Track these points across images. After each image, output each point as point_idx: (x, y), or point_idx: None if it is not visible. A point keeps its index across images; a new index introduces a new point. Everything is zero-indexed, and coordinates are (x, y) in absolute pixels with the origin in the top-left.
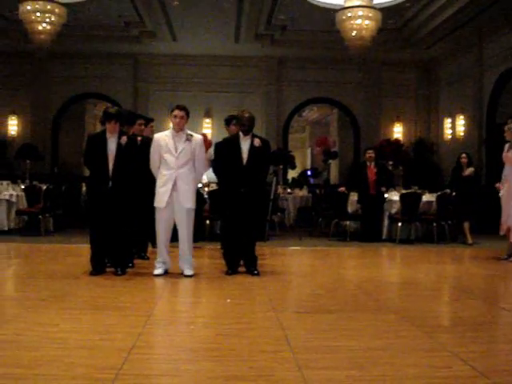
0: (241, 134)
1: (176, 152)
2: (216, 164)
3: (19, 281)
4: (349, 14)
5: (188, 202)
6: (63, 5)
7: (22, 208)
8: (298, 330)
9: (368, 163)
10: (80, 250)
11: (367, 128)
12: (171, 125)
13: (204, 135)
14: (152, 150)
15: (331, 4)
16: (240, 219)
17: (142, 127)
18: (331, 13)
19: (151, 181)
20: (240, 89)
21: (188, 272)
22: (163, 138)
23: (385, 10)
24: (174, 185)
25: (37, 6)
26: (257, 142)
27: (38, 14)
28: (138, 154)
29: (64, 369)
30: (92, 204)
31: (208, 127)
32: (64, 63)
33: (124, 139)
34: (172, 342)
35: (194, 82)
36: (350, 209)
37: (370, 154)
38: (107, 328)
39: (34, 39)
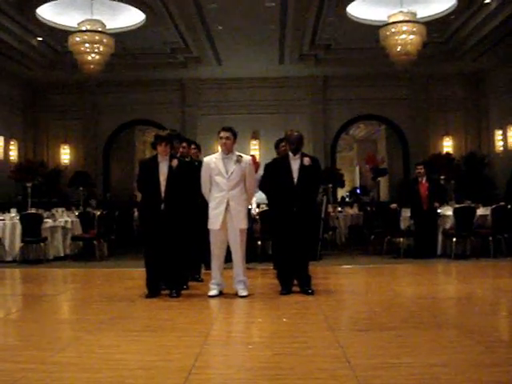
0: (290, 153)
1: (227, 174)
2: (266, 184)
3: (77, 304)
4: (393, 30)
5: (241, 223)
6: (111, 35)
7: (77, 234)
8: (356, 348)
9: (419, 179)
10: (135, 274)
11: (416, 143)
12: (219, 147)
13: (252, 157)
14: (203, 172)
15: (374, 20)
16: (292, 239)
17: (187, 150)
18: (375, 29)
19: (203, 203)
20: (286, 109)
21: (243, 292)
22: (213, 160)
23: (429, 24)
24: (227, 206)
25: (85, 37)
26: (306, 160)
27: (87, 44)
28: (190, 176)
29: None
30: (146, 227)
31: (255, 149)
32: (113, 91)
33: (175, 162)
34: (230, 362)
35: (240, 105)
36: (402, 225)
37: (420, 169)
38: (166, 349)
39: (84, 69)
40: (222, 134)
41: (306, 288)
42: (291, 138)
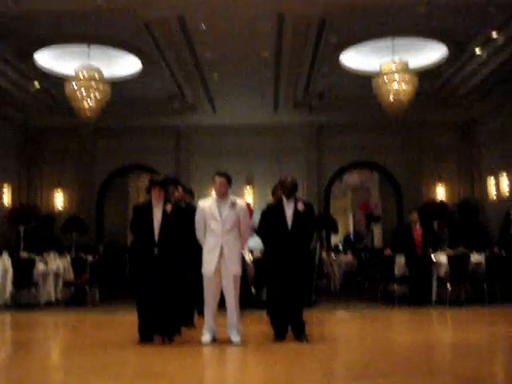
0: (284, 198)
1: (221, 218)
2: (262, 230)
3: (68, 350)
4: (385, 79)
5: (235, 269)
6: (107, 82)
7: (68, 279)
8: None
9: (413, 225)
10: (127, 320)
11: (409, 190)
12: (213, 192)
13: (246, 204)
14: (197, 217)
15: (367, 70)
16: (286, 285)
17: (182, 195)
18: (368, 78)
19: (196, 248)
20: (280, 156)
21: (236, 339)
22: (207, 204)
23: (421, 73)
24: (221, 251)
25: (82, 84)
26: (300, 205)
27: (83, 91)
28: (184, 222)
29: None
30: (138, 272)
31: (250, 195)
32: (108, 137)
33: (169, 207)
34: None
35: (235, 152)
36: (396, 272)
37: (414, 215)
38: None
39: (80, 115)
40: (217, 179)
41: (301, 335)
42: (285, 184)
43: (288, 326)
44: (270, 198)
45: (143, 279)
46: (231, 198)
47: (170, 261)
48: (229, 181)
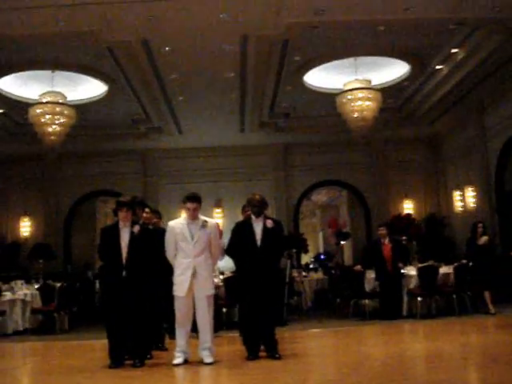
0: (253, 216)
1: (192, 240)
2: (232, 248)
3: (36, 378)
4: (349, 97)
5: (208, 290)
6: (72, 106)
7: (36, 307)
8: None
9: (382, 240)
10: (96, 346)
11: (377, 206)
12: (183, 214)
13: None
14: (167, 237)
15: (331, 88)
16: (257, 302)
17: (150, 216)
18: (332, 97)
19: (166, 269)
20: (248, 177)
21: (208, 359)
22: (178, 225)
23: (384, 90)
24: (194, 272)
25: (46, 108)
26: (269, 223)
27: (48, 116)
28: (152, 243)
29: None
30: (106, 295)
31: (219, 217)
32: (74, 163)
33: (137, 228)
34: None
35: (203, 174)
36: (367, 287)
37: (382, 230)
38: None
39: (44, 141)
40: (189, 205)
41: (274, 353)
42: (253, 201)
43: (260, 344)
44: (239, 219)
45: (112, 302)
46: (202, 218)
47: (139, 283)
48: (200, 203)
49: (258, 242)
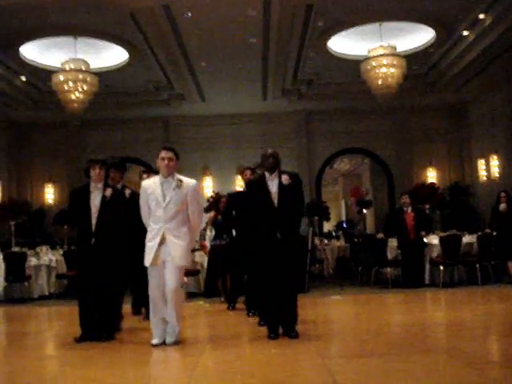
0: (266, 173)
1: (164, 201)
2: (229, 218)
3: (62, 341)
4: (373, 64)
5: (178, 259)
6: (94, 73)
7: (61, 272)
8: (347, 375)
9: (405, 208)
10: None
11: (400, 175)
12: (160, 169)
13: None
14: (141, 199)
15: (355, 55)
16: (278, 271)
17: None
18: (356, 63)
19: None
20: (270, 144)
21: (170, 339)
22: (151, 185)
23: (409, 57)
24: (162, 240)
25: (69, 76)
26: (285, 179)
27: (71, 83)
28: (125, 208)
29: None
30: (78, 263)
31: (241, 185)
32: (97, 130)
33: (109, 191)
34: None
35: (225, 141)
36: (389, 255)
37: (405, 198)
38: (152, 382)
39: (68, 108)
40: (164, 153)
41: (290, 330)
42: (267, 155)
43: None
44: None
45: (82, 271)
46: (177, 176)
47: (109, 251)
48: (177, 157)
49: (276, 202)
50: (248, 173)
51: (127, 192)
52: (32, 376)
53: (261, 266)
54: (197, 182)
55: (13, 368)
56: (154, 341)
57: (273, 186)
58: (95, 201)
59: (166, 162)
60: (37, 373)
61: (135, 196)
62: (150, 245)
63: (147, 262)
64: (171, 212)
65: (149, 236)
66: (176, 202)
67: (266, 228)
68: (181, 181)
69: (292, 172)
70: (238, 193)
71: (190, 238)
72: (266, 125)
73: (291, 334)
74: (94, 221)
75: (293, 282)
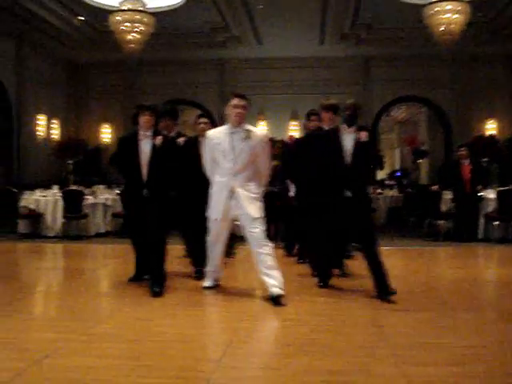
0: (342, 125)
1: (233, 153)
2: (289, 169)
3: (117, 279)
4: (436, 9)
5: (253, 212)
6: (151, 14)
7: (117, 211)
8: (395, 327)
9: (462, 161)
10: (173, 251)
11: (458, 126)
12: (230, 119)
13: (290, 137)
14: (205, 150)
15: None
16: (347, 230)
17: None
18: (418, 8)
19: (201, 187)
20: (326, 90)
21: (275, 291)
22: (217, 135)
23: (474, 3)
24: (232, 193)
25: (126, 16)
26: (364, 135)
27: (128, 24)
28: (178, 157)
29: (166, 361)
30: (128, 215)
31: (295, 129)
32: (153, 71)
33: (159, 139)
34: (268, 338)
35: (281, 85)
36: (443, 208)
37: (463, 151)
38: (204, 323)
39: (125, 49)
40: (237, 101)
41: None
42: (347, 105)
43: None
44: None
45: (133, 223)
46: (246, 127)
47: (162, 203)
48: (249, 103)
49: (348, 160)
50: (313, 120)
51: (181, 140)
52: (87, 311)
53: (328, 223)
54: (266, 133)
55: (69, 303)
56: (206, 283)
57: (348, 142)
58: (145, 149)
59: (239, 110)
60: (92, 309)
61: (190, 143)
62: (217, 198)
63: (214, 215)
64: (241, 164)
65: (215, 189)
66: (246, 154)
67: (333, 186)
68: (250, 131)
69: (369, 127)
70: (304, 139)
71: (259, 192)
72: (322, 70)
73: (390, 292)
74: (144, 171)
75: (370, 241)
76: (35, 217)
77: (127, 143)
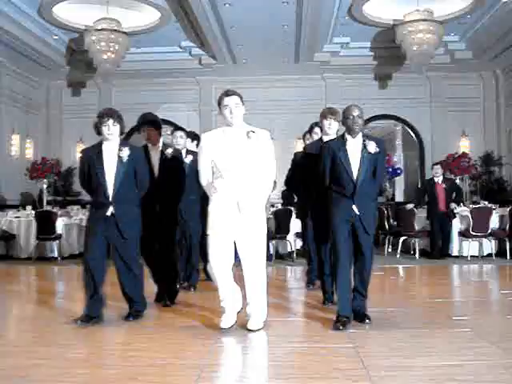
0: (347, 135)
1: (233, 157)
2: (293, 181)
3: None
4: (409, 29)
5: (256, 224)
6: (126, 33)
7: None
8: (370, 347)
9: (435, 179)
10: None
11: (432, 143)
12: (226, 120)
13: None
14: (201, 155)
15: (390, 19)
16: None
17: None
18: (388, 29)
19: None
20: (301, 110)
21: (254, 325)
22: (214, 138)
23: (446, 23)
24: (234, 203)
25: (101, 35)
26: (372, 146)
27: (103, 43)
28: (164, 170)
29: None
30: (87, 231)
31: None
32: (128, 91)
33: (126, 152)
34: (243, 361)
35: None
36: (417, 226)
37: (437, 169)
38: (178, 347)
39: (99, 68)
40: (226, 100)
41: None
42: (350, 112)
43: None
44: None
45: (90, 240)
46: (247, 127)
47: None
48: (241, 99)
49: (355, 172)
50: (318, 130)
51: (169, 151)
52: (60, 336)
53: (336, 241)
54: (269, 133)
55: (41, 328)
56: (224, 323)
57: (355, 152)
58: (109, 162)
59: (230, 108)
60: (65, 333)
61: (177, 156)
62: (217, 210)
63: (216, 228)
64: (243, 169)
65: (215, 200)
66: (248, 157)
67: (341, 201)
68: (252, 131)
69: (379, 138)
70: (307, 154)
71: (264, 200)
72: (297, 89)
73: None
74: (110, 188)
75: (369, 262)
76: (7, 238)
77: (90, 155)
